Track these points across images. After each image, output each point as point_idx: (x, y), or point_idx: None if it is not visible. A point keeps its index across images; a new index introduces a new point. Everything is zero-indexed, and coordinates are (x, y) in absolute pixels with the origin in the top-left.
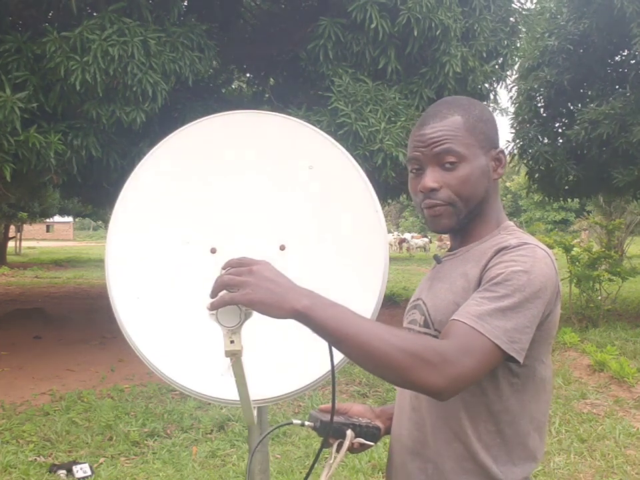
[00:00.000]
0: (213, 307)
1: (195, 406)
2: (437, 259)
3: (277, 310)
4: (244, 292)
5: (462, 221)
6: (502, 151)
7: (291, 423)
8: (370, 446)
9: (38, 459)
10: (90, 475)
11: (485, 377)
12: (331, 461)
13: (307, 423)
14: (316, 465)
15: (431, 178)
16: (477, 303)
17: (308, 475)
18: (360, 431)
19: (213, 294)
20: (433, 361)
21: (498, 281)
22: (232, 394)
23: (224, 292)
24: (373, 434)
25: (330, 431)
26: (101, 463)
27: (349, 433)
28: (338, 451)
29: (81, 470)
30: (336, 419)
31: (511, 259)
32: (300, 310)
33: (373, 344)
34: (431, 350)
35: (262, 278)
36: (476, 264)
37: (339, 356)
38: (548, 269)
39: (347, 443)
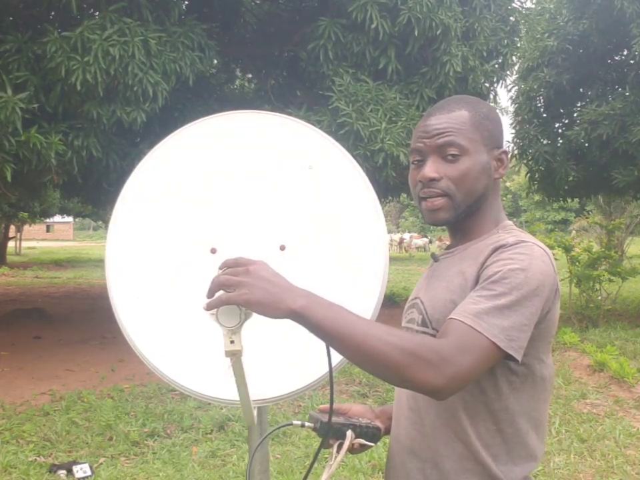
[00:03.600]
0: (210, 307)
1: (195, 406)
2: (434, 257)
3: (273, 310)
4: (241, 292)
5: (459, 216)
6: (505, 152)
7: (291, 424)
8: (370, 446)
9: (38, 458)
10: (90, 475)
11: (484, 376)
12: (331, 462)
13: (307, 424)
14: (315, 465)
15: (432, 168)
16: (474, 301)
17: (307, 475)
18: (360, 431)
19: (210, 294)
20: (431, 360)
21: (495, 279)
22: (232, 394)
23: (221, 292)
24: (373, 434)
25: (330, 432)
26: (101, 463)
27: (349, 433)
28: (338, 451)
29: (80, 470)
30: (336, 419)
31: (508, 257)
32: (296, 310)
33: (369, 343)
34: (429, 348)
35: (259, 278)
36: (473, 262)
37: (338, 356)
38: (546, 266)
39: (347, 444)
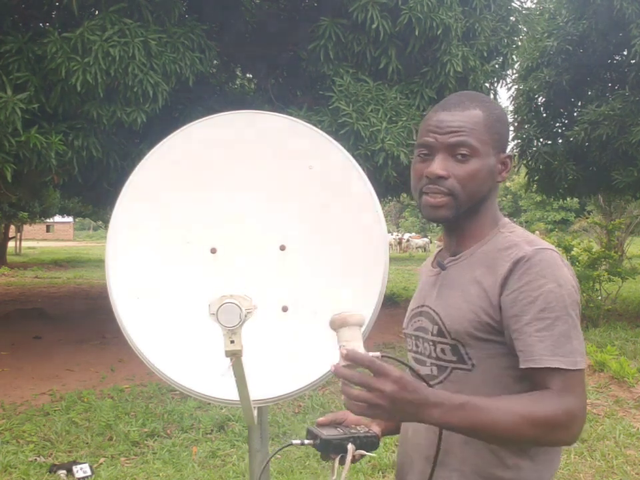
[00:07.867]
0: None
1: (195, 406)
2: (441, 266)
3: (409, 422)
4: (375, 412)
5: (459, 215)
6: (510, 157)
7: (291, 444)
8: (371, 456)
9: (38, 459)
10: (90, 475)
11: (517, 386)
12: (334, 477)
13: (306, 441)
14: (319, 473)
15: (441, 165)
16: (539, 339)
17: None
18: (360, 442)
19: (351, 407)
20: (563, 422)
21: (542, 307)
22: (232, 394)
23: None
24: (372, 443)
25: (330, 448)
26: (101, 463)
27: (350, 447)
28: (340, 463)
29: (80, 470)
30: (334, 432)
31: (537, 276)
32: (433, 423)
33: (508, 428)
34: (561, 413)
35: (394, 401)
36: (487, 270)
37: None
38: (568, 270)
39: (349, 458)
